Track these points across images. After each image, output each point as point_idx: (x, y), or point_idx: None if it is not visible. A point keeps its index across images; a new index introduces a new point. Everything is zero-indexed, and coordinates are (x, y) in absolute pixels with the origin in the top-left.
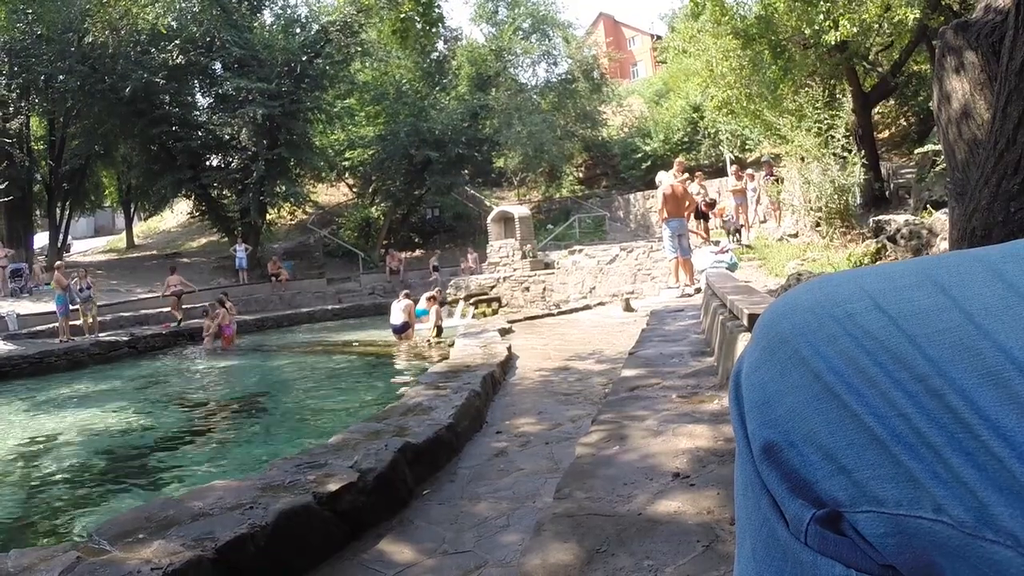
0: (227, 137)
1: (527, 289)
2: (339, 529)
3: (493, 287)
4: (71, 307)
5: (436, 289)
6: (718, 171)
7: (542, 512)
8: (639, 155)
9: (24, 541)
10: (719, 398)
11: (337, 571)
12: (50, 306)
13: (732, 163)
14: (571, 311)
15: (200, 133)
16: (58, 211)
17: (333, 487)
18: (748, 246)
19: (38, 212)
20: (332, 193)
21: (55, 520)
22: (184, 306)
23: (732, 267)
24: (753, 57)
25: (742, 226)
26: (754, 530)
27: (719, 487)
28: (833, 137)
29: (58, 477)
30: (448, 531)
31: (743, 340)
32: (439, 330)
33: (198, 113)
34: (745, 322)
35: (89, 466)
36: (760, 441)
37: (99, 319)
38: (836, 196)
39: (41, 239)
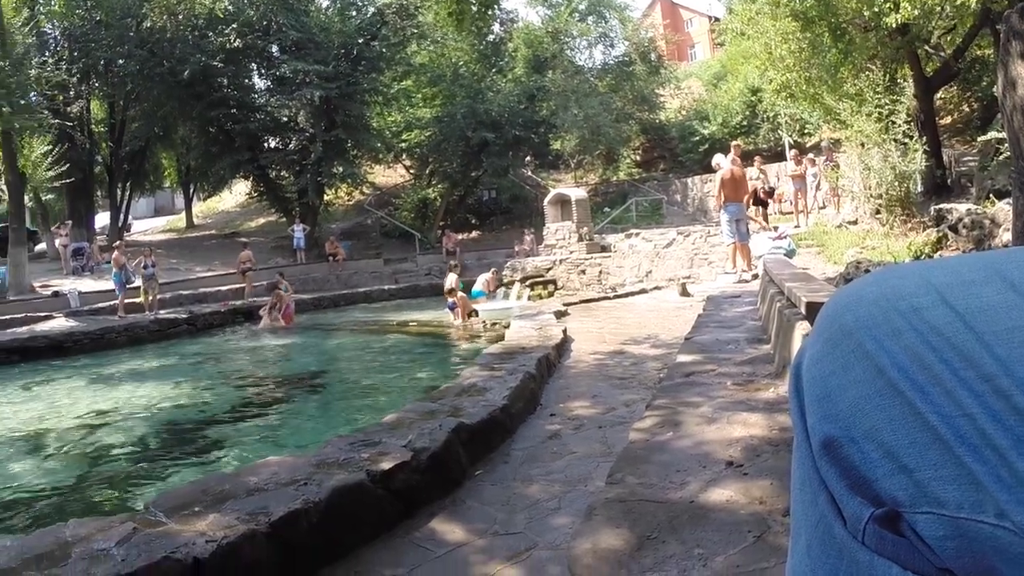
0: (285, 119)
1: (583, 272)
2: (392, 507)
3: (549, 269)
4: (131, 285)
5: (493, 271)
6: (777, 155)
7: (594, 496)
8: (697, 138)
9: (83, 511)
10: (775, 386)
11: (389, 548)
12: (110, 284)
13: (791, 148)
14: (627, 295)
15: (258, 115)
16: (119, 192)
17: (387, 465)
18: (774, 227)
19: (99, 193)
20: (389, 174)
21: (113, 492)
22: (244, 284)
23: (790, 253)
24: (812, 40)
25: (768, 205)
26: (810, 526)
27: (772, 477)
28: (894, 123)
29: (116, 450)
30: (500, 512)
31: (800, 328)
32: (471, 313)
33: (256, 96)
34: (803, 310)
35: (147, 440)
36: (820, 436)
37: (159, 297)
38: (897, 183)
39: (102, 219)
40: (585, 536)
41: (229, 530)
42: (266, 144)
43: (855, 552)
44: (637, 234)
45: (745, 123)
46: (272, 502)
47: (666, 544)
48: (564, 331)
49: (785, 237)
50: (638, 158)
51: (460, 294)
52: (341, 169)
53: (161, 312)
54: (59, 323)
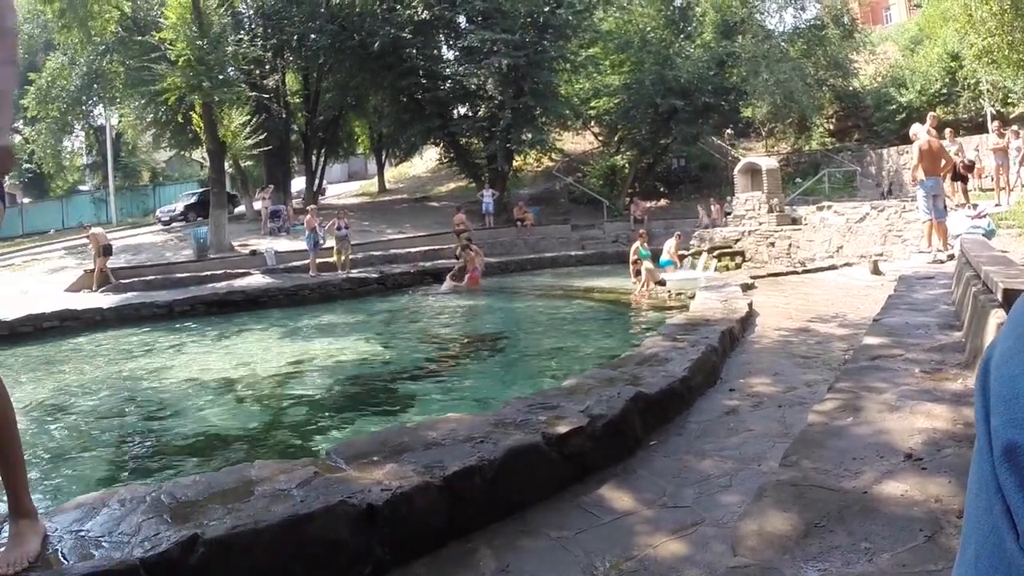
0: (473, 87)
1: (772, 244)
2: (564, 470)
3: (737, 240)
4: (323, 246)
5: (677, 235)
6: (978, 127)
7: (766, 477)
8: (893, 107)
9: (267, 454)
10: (963, 377)
11: (557, 511)
12: (304, 244)
13: (993, 119)
14: (816, 270)
15: (447, 84)
16: (314, 158)
17: (563, 429)
18: (973, 205)
19: (295, 159)
20: (578, 141)
21: (297, 438)
22: (434, 247)
23: (989, 234)
24: (1015, 0)
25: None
26: (981, 535)
27: (951, 475)
28: None
29: (303, 399)
30: (669, 484)
31: (995, 316)
32: (660, 283)
33: (444, 65)
34: (999, 297)
35: (332, 391)
36: (1003, 441)
37: (351, 257)
38: None
39: (298, 183)
40: (752, 517)
41: (404, 480)
42: (455, 112)
43: None
44: (829, 207)
45: (944, 91)
46: (448, 457)
47: (833, 534)
48: (750, 305)
49: (984, 216)
50: (831, 127)
51: (648, 264)
52: (530, 136)
53: (353, 271)
54: (256, 279)
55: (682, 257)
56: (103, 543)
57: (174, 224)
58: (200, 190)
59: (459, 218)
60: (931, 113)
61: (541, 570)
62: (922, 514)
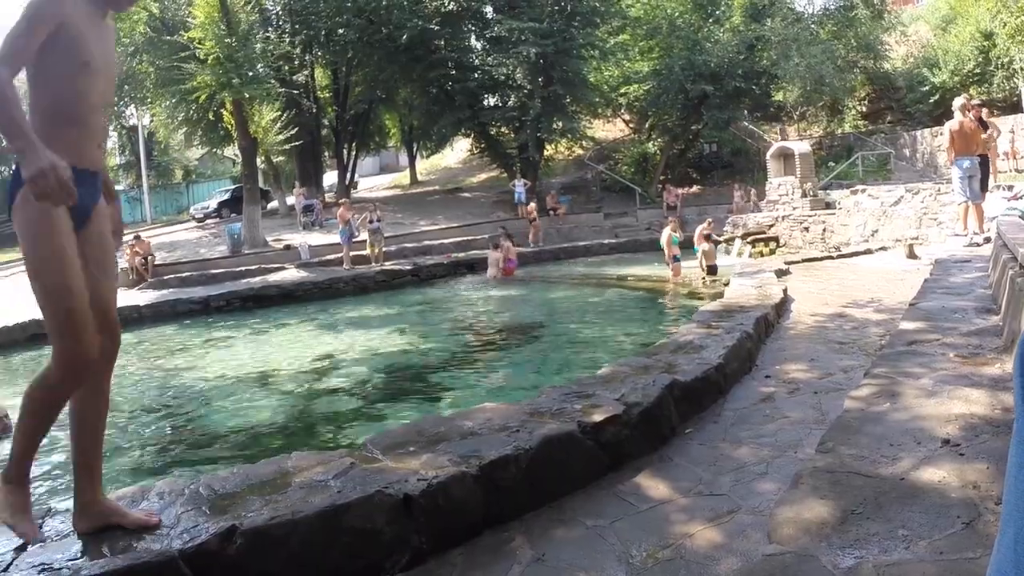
0: (503, 77)
1: (806, 229)
2: (600, 459)
3: (771, 226)
4: (356, 239)
5: (708, 221)
6: (1012, 106)
7: (802, 464)
8: (926, 87)
9: (305, 445)
10: (1001, 362)
11: (592, 499)
12: (338, 238)
13: None
14: (851, 255)
15: (476, 74)
16: (345, 152)
17: (598, 418)
18: (1009, 186)
19: (327, 153)
20: (609, 129)
21: (334, 429)
22: (467, 237)
23: None
24: None
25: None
26: (1021, 518)
27: (990, 460)
28: None
29: (339, 391)
30: (705, 472)
31: None
32: (711, 269)
33: (473, 56)
34: None
35: (368, 382)
36: None
37: (385, 249)
38: None
39: (330, 178)
40: (789, 504)
41: (440, 470)
42: (485, 102)
43: None
44: (863, 190)
45: (978, 71)
46: (484, 446)
47: (870, 521)
48: (785, 291)
49: (1021, 197)
50: (863, 109)
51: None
52: (560, 124)
53: (386, 264)
54: (290, 274)
55: (716, 243)
56: (143, 535)
57: (208, 221)
58: (233, 187)
59: (532, 207)
60: (965, 95)
61: (577, 559)
62: (960, 500)
